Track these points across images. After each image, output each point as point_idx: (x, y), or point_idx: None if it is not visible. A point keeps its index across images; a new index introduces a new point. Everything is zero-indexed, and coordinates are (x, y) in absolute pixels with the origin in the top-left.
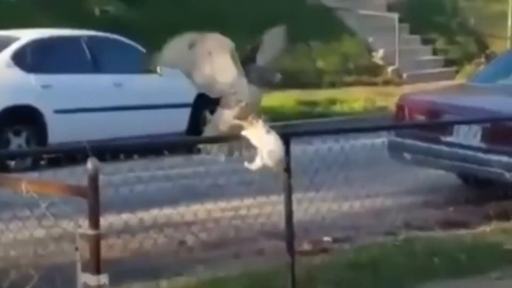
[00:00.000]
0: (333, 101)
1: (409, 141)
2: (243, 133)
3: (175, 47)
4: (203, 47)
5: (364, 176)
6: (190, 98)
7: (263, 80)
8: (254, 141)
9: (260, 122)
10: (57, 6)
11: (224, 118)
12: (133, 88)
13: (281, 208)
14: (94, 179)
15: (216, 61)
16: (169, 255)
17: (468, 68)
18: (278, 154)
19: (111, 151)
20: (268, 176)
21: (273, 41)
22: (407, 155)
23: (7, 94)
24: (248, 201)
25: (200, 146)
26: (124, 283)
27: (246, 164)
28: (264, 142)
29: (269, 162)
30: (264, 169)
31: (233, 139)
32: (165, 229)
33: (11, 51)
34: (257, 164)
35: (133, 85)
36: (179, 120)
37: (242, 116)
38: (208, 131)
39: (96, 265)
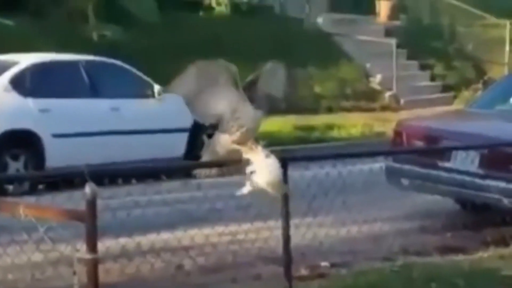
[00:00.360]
0: (330, 126)
1: (406, 167)
2: (245, 156)
3: (184, 74)
4: (206, 73)
5: (362, 201)
6: (187, 123)
7: (267, 105)
8: (254, 165)
9: (259, 147)
10: (55, 30)
11: (222, 143)
12: (130, 112)
13: (278, 233)
14: (92, 203)
15: (218, 87)
16: (166, 279)
17: (466, 93)
18: (277, 177)
19: (109, 175)
20: (265, 201)
21: (273, 74)
22: (404, 181)
23: (5, 118)
24: (245, 226)
25: (196, 171)
26: None
27: (237, 192)
28: (264, 166)
29: (269, 186)
30: (261, 193)
31: (231, 163)
32: (163, 253)
33: (9, 75)
34: (247, 188)
35: (130, 109)
36: (177, 145)
37: (242, 141)
38: (205, 156)
39: None
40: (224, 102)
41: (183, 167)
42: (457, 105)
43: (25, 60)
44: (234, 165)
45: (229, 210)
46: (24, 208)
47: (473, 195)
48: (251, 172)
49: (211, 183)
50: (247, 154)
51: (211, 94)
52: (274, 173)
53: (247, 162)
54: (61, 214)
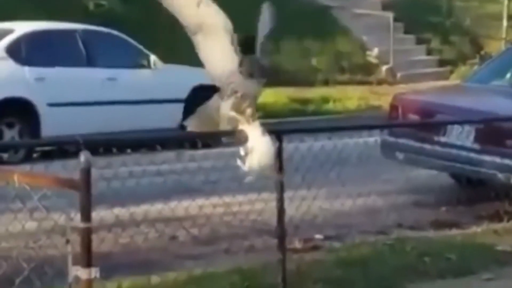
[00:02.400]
0: (326, 99)
1: (402, 141)
2: (240, 127)
3: None
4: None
5: (356, 175)
6: (183, 93)
7: (260, 71)
8: (249, 142)
9: (257, 122)
10: None
11: (221, 109)
12: (126, 82)
13: (272, 205)
14: (86, 172)
15: (216, 45)
16: (159, 250)
17: (463, 68)
18: (269, 158)
19: (103, 145)
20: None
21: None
22: (399, 155)
23: (0, 86)
24: (239, 197)
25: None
26: (115, 277)
27: (239, 162)
28: (257, 144)
29: (258, 165)
30: (252, 170)
31: (226, 134)
32: (156, 224)
33: (5, 43)
34: (248, 164)
35: (127, 79)
36: (172, 115)
37: (237, 109)
38: (191, 123)
39: (87, 258)
40: (222, 63)
41: (178, 138)
42: (453, 80)
43: (20, 28)
44: (227, 135)
45: (224, 182)
46: (19, 176)
47: (468, 169)
48: (246, 150)
49: (206, 154)
50: (243, 125)
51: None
52: (268, 154)
53: (241, 135)
54: (56, 182)
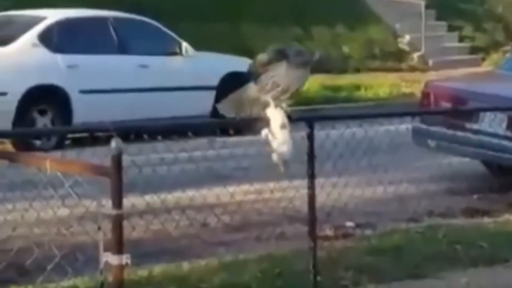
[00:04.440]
0: (357, 87)
1: (433, 128)
2: (266, 113)
3: None
4: None
5: (388, 162)
6: (215, 80)
7: (302, 60)
8: (272, 126)
9: (281, 113)
10: None
11: (249, 92)
12: (158, 69)
13: (304, 192)
14: (117, 158)
15: None
16: (190, 237)
17: (495, 55)
18: (286, 145)
19: (134, 131)
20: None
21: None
22: (431, 142)
23: (33, 74)
24: (271, 184)
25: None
26: (146, 264)
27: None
28: (276, 131)
29: (277, 151)
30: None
31: (255, 121)
32: (188, 211)
33: (38, 30)
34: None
35: (159, 66)
36: (204, 103)
37: (276, 101)
38: (222, 107)
39: (118, 245)
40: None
41: (210, 125)
42: (485, 67)
43: (53, 15)
44: (254, 123)
45: (255, 169)
46: (50, 162)
47: (500, 157)
48: (265, 135)
49: (237, 141)
50: (270, 112)
51: None
52: (285, 142)
53: (264, 120)
54: (87, 169)
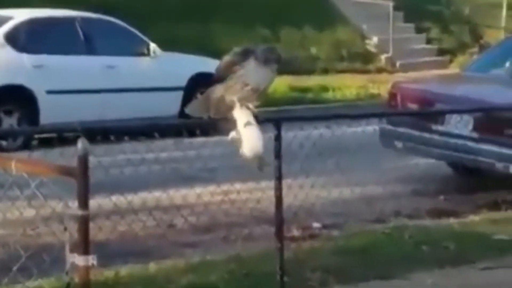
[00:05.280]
0: (325, 88)
1: (400, 129)
2: (234, 114)
3: None
4: None
5: (355, 163)
6: (182, 81)
7: (269, 57)
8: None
9: (246, 113)
10: None
11: (217, 92)
12: (125, 70)
13: (271, 193)
14: (83, 159)
15: None
16: (157, 238)
17: (462, 57)
18: (254, 146)
19: (101, 132)
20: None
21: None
22: (398, 143)
23: None
24: (238, 185)
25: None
26: (112, 265)
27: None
28: (243, 131)
29: (245, 151)
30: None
31: (222, 122)
32: (154, 212)
33: (4, 30)
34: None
35: (126, 67)
36: (171, 103)
37: (244, 101)
38: (190, 108)
39: (84, 246)
40: (229, 56)
41: (176, 126)
42: (452, 69)
43: (20, 15)
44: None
45: (222, 170)
46: (16, 163)
47: (466, 158)
48: (232, 136)
49: (204, 142)
50: (236, 112)
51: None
52: (253, 142)
53: (231, 121)
54: (53, 169)
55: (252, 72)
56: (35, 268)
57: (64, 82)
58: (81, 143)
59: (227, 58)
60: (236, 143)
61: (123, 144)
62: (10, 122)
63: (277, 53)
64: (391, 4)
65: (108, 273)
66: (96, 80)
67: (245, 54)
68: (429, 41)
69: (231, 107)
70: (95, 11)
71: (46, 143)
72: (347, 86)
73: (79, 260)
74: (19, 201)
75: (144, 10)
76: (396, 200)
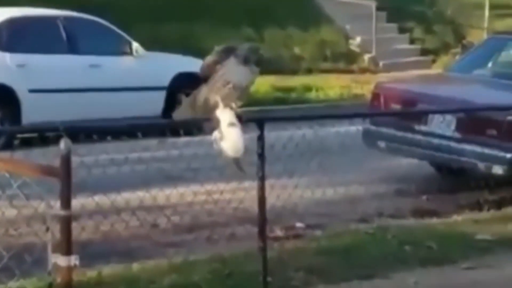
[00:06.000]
0: (308, 88)
1: (383, 129)
2: (217, 114)
3: None
4: None
5: (338, 163)
6: (165, 81)
7: (251, 57)
8: (222, 127)
9: (229, 112)
10: None
11: (210, 99)
12: (109, 70)
13: (254, 193)
14: (66, 159)
15: None
16: (140, 238)
17: (445, 57)
18: (237, 146)
19: (84, 132)
20: (242, 161)
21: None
22: (381, 143)
23: None
24: (221, 185)
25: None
26: (95, 265)
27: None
28: (226, 131)
29: (227, 151)
30: (223, 156)
31: (205, 122)
32: (137, 211)
33: None
34: (218, 149)
35: (109, 67)
36: (154, 103)
37: (228, 99)
38: (178, 114)
39: (67, 246)
40: (211, 56)
41: (160, 125)
42: (435, 69)
43: (2, 14)
44: (204, 124)
45: (205, 170)
46: None
47: (448, 159)
48: (215, 136)
49: (187, 142)
50: (219, 112)
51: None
52: (236, 142)
53: (215, 121)
54: (36, 169)
55: (232, 70)
56: (17, 268)
57: (47, 81)
58: (63, 143)
59: (209, 57)
60: (218, 143)
61: (106, 144)
62: None
63: (259, 53)
64: (374, 4)
65: (91, 273)
66: (79, 79)
67: (226, 53)
68: (412, 41)
69: (215, 107)
70: (78, 10)
71: (28, 143)
72: (331, 86)
73: (61, 260)
74: (1, 201)
75: (127, 9)
76: (379, 200)
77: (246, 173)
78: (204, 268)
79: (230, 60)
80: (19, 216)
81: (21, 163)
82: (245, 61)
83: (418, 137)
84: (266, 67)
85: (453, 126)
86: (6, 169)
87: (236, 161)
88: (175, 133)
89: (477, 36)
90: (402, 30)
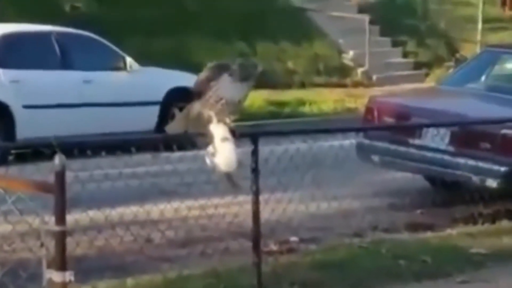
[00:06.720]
0: (302, 102)
1: (377, 143)
2: (210, 129)
3: None
4: None
5: (332, 178)
6: (159, 96)
7: (245, 74)
8: (215, 142)
9: (222, 128)
10: (25, 0)
11: (194, 109)
12: (102, 85)
13: (248, 207)
14: (61, 175)
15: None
16: (135, 252)
17: (438, 71)
18: (230, 161)
19: (78, 147)
20: (235, 176)
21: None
22: (375, 157)
23: None
24: (215, 200)
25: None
26: (90, 280)
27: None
28: (219, 146)
29: (221, 166)
30: (216, 171)
31: (199, 137)
32: (132, 226)
33: None
34: (212, 164)
35: (103, 82)
36: (148, 118)
37: (221, 114)
38: (171, 127)
39: (61, 262)
40: (204, 72)
41: (153, 140)
42: (428, 83)
43: None
44: (198, 139)
45: (199, 184)
46: None
47: (442, 172)
48: (209, 151)
49: (181, 157)
50: (213, 127)
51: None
52: (228, 157)
53: (209, 135)
54: (30, 185)
55: (225, 87)
56: (12, 284)
57: (41, 97)
58: (58, 159)
59: (202, 74)
60: (212, 157)
61: (100, 159)
62: None
63: (253, 70)
64: (367, 18)
65: None
66: (73, 95)
67: (219, 70)
68: (405, 54)
69: (208, 122)
70: (71, 26)
71: (22, 158)
72: (324, 100)
73: (56, 276)
74: None
75: (120, 24)
76: (373, 214)
77: (239, 188)
78: (198, 282)
79: (223, 77)
80: (14, 232)
81: (15, 179)
82: (239, 78)
83: (412, 150)
84: (260, 81)
85: (447, 140)
86: (0, 185)
87: (229, 176)
88: (169, 147)
89: (470, 50)
90: (395, 44)
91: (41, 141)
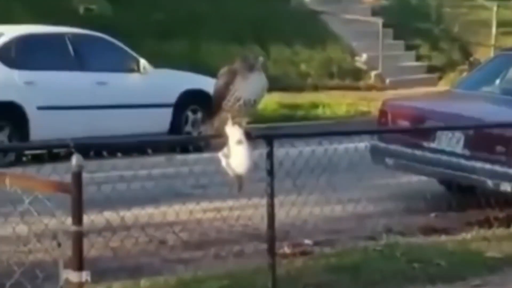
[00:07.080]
0: (315, 105)
1: (391, 146)
2: (227, 130)
3: None
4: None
5: (346, 180)
6: (172, 98)
7: (249, 64)
8: (229, 144)
9: (238, 130)
10: (40, 2)
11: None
12: (116, 87)
13: (263, 210)
14: (78, 175)
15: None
16: (149, 254)
17: (451, 75)
18: (244, 163)
19: (94, 148)
20: (249, 179)
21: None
22: (389, 160)
23: None
24: (230, 202)
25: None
26: (105, 281)
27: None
28: (233, 148)
29: (235, 168)
30: (230, 173)
31: (214, 138)
32: (147, 228)
33: None
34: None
35: (117, 84)
36: (162, 120)
37: (236, 117)
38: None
39: (78, 262)
40: (221, 78)
41: (169, 142)
42: (441, 86)
43: (10, 31)
44: (215, 139)
45: (214, 186)
46: (10, 178)
47: (457, 176)
48: (224, 153)
49: (196, 159)
50: (228, 129)
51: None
52: (242, 159)
53: (224, 137)
54: (48, 185)
55: (240, 86)
56: (29, 284)
57: (55, 98)
58: (75, 159)
59: (220, 81)
60: (226, 159)
61: (116, 160)
62: (1, 138)
63: (254, 60)
64: (380, 21)
65: None
66: (87, 96)
67: (233, 73)
68: (418, 58)
69: (225, 123)
70: (85, 28)
71: (37, 159)
72: (337, 103)
73: (73, 276)
74: (13, 217)
75: (133, 27)
76: (388, 217)
77: (242, 191)
78: (213, 284)
79: (237, 78)
80: (31, 232)
81: (33, 179)
82: (246, 70)
83: (427, 154)
84: (273, 84)
85: (461, 143)
86: (18, 185)
87: (239, 178)
88: (185, 149)
89: (484, 54)
90: (408, 47)
91: (57, 142)
